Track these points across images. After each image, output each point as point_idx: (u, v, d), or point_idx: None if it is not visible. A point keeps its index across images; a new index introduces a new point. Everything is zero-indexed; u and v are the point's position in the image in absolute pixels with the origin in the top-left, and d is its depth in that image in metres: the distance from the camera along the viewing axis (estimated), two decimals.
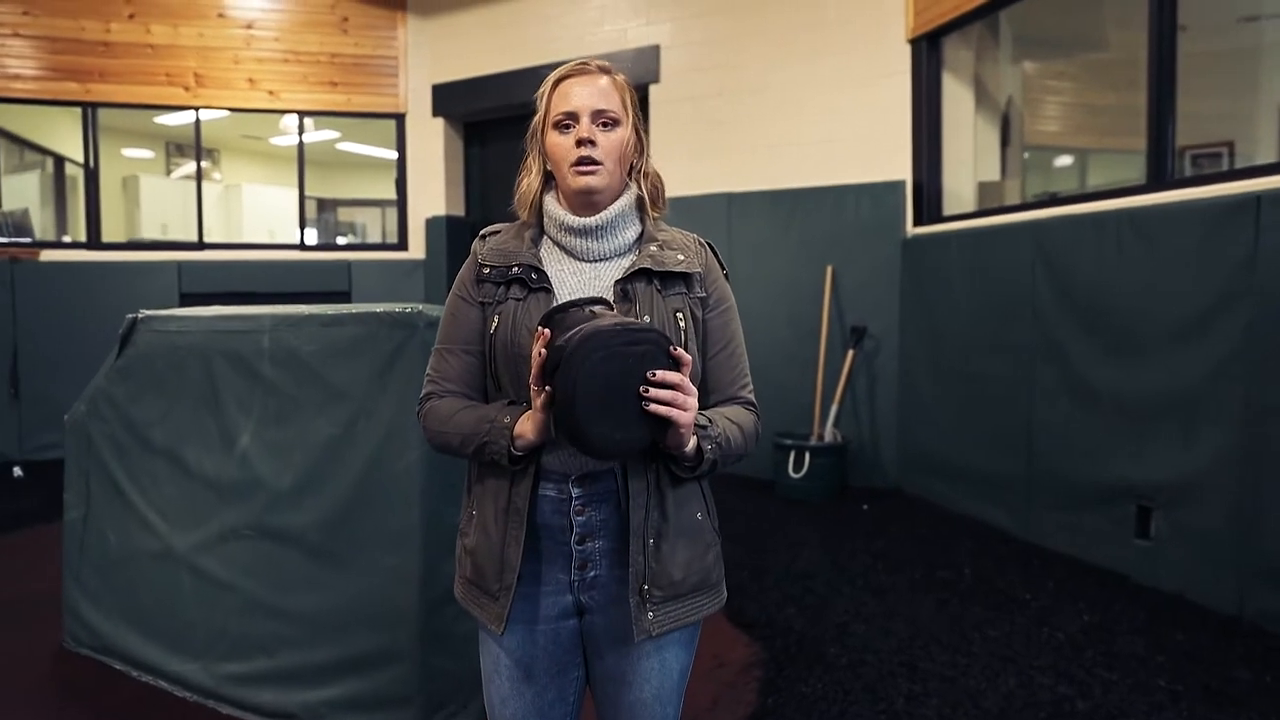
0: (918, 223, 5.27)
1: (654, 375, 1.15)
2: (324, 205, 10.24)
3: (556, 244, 1.38)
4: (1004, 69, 5.62)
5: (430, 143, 7.27)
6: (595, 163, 1.31)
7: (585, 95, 1.32)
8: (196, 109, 6.89)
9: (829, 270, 5.48)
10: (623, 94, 1.35)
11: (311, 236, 8.36)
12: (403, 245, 7.37)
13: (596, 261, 1.36)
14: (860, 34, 5.41)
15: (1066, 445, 3.99)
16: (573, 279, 1.35)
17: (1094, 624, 3.17)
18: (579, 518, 1.30)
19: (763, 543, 4.25)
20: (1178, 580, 3.44)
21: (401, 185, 7.37)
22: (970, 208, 5.22)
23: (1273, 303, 3.07)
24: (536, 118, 1.38)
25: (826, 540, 4.25)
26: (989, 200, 5.23)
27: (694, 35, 6.07)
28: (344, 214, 11.15)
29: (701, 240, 1.43)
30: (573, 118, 1.32)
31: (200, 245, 7.02)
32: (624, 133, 1.34)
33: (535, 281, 1.33)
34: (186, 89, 6.78)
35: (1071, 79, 7.67)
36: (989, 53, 5.43)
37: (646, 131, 1.42)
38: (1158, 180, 3.71)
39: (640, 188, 1.39)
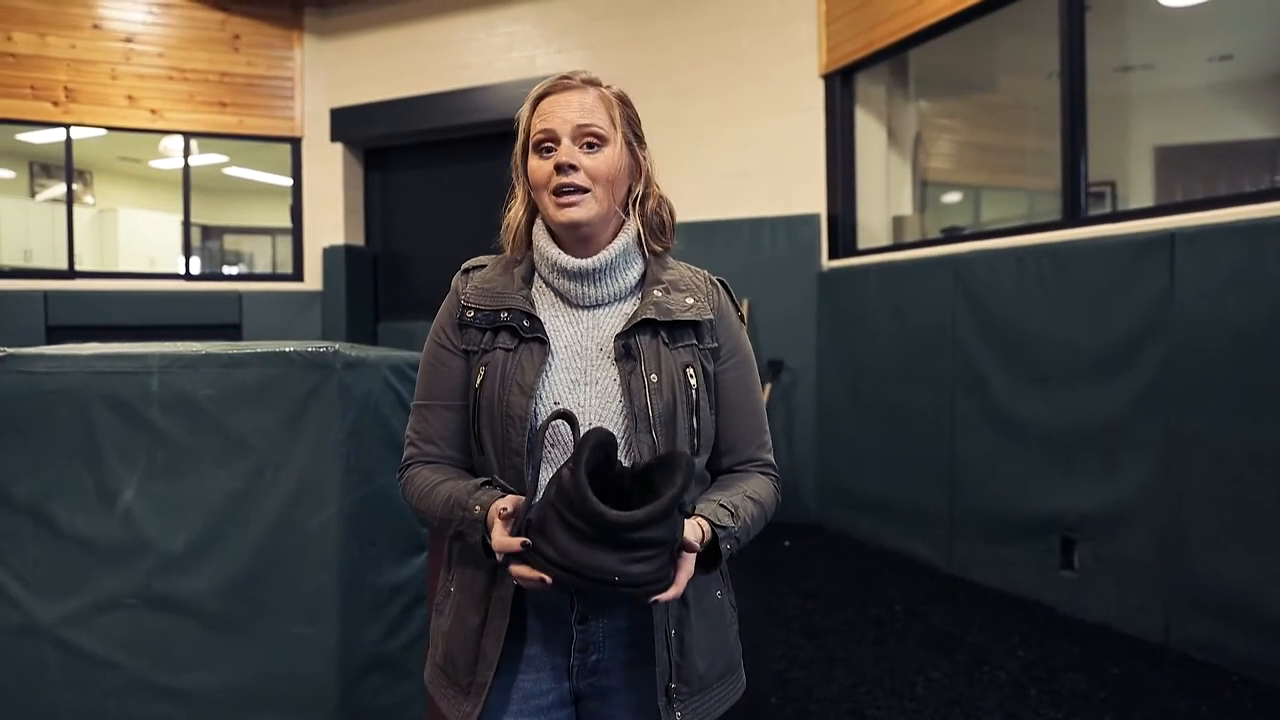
0: (833, 256, 5.30)
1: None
2: (209, 232, 9.67)
3: (550, 286, 1.20)
4: (911, 106, 5.75)
5: (328, 169, 6.92)
6: (579, 190, 1.14)
7: (566, 111, 1.14)
8: (67, 126, 6.35)
9: (745, 303, 5.43)
10: (610, 109, 1.17)
11: (196, 266, 7.85)
12: (298, 276, 6.97)
13: (594, 308, 1.18)
14: (774, 67, 5.43)
15: (989, 478, 4.01)
16: (569, 329, 1.17)
17: (1031, 660, 3.14)
18: (582, 593, 1.12)
19: None
20: (1103, 611, 3.47)
21: (297, 213, 6.98)
22: (883, 241, 5.28)
23: (1189, 336, 3.15)
24: (519, 141, 1.20)
25: (753, 579, 4.14)
26: (902, 234, 5.30)
27: (606, 64, 5.97)
28: (230, 242, 10.58)
29: (713, 279, 1.26)
30: (552, 138, 1.14)
31: (71, 274, 6.45)
32: (612, 152, 1.16)
33: (528, 330, 1.14)
34: (56, 104, 6.25)
35: (964, 118, 7.98)
36: (899, 90, 5.55)
37: (643, 145, 1.24)
38: (1072, 217, 3.80)
39: (640, 218, 1.21)
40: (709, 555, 1.09)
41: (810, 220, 5.33)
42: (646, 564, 0.95)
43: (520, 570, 1.00)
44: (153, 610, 2.22)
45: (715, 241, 5.51)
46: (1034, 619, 3.56)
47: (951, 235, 4.98)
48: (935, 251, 4.49)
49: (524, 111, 1.19)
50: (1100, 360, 3.48)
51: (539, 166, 1.15)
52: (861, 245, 5.26)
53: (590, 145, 1.15)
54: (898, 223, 5.41)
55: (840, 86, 5.21)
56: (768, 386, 5.31)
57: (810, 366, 5.33)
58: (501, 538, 1.01)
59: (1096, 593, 3.50)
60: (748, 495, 1.17)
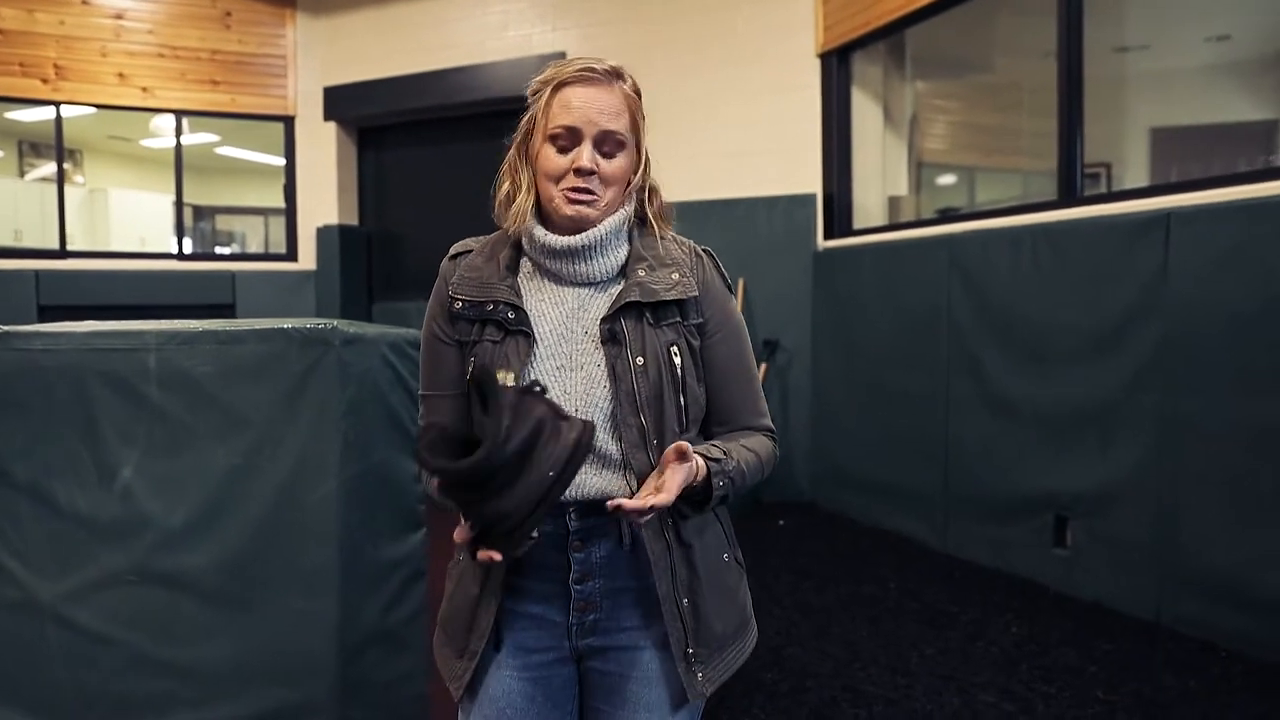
0: (829, 236, 5.30)
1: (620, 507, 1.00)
2: (201, 212, 9.62)
3: (537, 266, 1.20)
4: (908, 87, 5.74)
5: (322, 148, 6.87)
6: (593, 194, 1.13)
7: (592, 112, 1.12)
8: (57, 104, 6.29)
9: (741, 283, 5.43)
10: (634, 111, 1.16)
11: (188, 246, 7.80)
12: (292, 255, 6.93)
13: (581, 286, 1.18)
14: (770, 46, 5.41)
15: (983, 457, 4.04)
16: (554, 311, 1.17)
17: (1024, 636, 3.18)
18: (577, 554, 1.14)
19: None
20: (1096, 588, 3.50)
21: (290, 192, 6.93)
22: (879, 221, 5.28)
23: (1184, 316, 3.17)
24: (528, 117, 1.17)
25: (746, 556, 4.15)
26: (898, 215, 5.30)
27: (601, 43, 5.94)
28: (222, 222, 10.53)
29: (700, 250, 1.26)
30: (574, 136, 1.12)
31: (62, 253, 6.41)
32: (629, 157, 1.16)
33: (512, 323, 1.14)
34: (45, 81, 6.18)
35: (960, 99, 7.97)
36: (895, 70, 5.53)
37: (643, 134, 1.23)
38: (1068, 197, 3.81)
39: (636, 202, 1.21)
40: (702, 492, 1.11)
41: (806, 200, 5.32)
42: (551, 445, 0.95)
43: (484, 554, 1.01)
44: (152, 586, 2.22)
45: (711, 221, 5.49)
46: (1027, 597, 3.60)
47: (947, 215, 4.99)
48: (930, 232, 4.49)
49: (541, 92, 1.15)
50: (1095, 340, 3.50)
51: (553, 159, 1.14)
52: (857, 225, 5.26)
53: (609, 153, 1.14)
54: (894, 203, 5.41)
55: (837, 66, 5.19)
56: (763, 366, 5.32)
57: (805, 346, 5.34)
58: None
59: (1089, 571, 3.54)
60: (742, 444, 1.19)
